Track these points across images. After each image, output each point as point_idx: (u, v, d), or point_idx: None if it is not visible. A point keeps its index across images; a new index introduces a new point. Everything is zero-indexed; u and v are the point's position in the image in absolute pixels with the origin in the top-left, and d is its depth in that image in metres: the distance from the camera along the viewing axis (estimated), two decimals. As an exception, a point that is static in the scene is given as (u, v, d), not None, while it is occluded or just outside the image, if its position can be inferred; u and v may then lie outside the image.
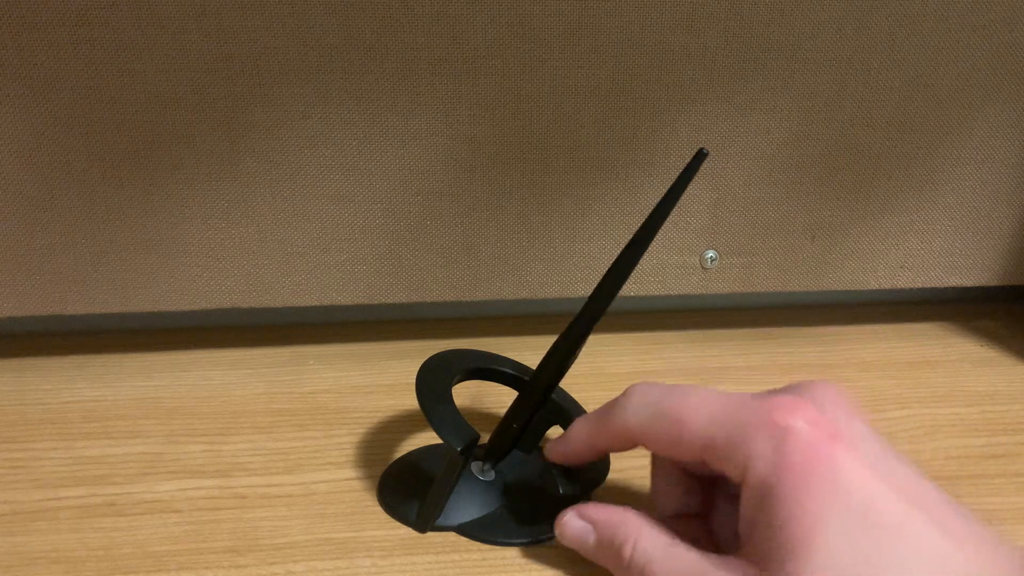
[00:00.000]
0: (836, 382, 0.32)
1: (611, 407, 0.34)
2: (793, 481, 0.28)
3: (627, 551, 0.32)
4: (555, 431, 0.41)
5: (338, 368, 0.50)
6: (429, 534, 0.37)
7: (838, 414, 0.30)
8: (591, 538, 0.33)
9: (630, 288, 0.48)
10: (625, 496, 0.40)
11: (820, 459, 0.28)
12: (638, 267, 0.35)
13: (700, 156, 0.32)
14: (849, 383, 0.50)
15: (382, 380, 0.49)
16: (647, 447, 0.34)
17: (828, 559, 0.27)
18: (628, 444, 0.34)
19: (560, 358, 0.37)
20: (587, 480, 0.39)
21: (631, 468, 0.41)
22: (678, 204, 0.33)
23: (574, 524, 0.34)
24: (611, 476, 0.40)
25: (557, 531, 0.35)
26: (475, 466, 0.39)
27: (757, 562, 0.28)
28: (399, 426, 0.45)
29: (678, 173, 0.33)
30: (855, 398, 0.32)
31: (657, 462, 0.35)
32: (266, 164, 0.45)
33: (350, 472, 0.41)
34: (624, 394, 0.34)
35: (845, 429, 0.29)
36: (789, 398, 0.30)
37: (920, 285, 0.53)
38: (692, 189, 0.33)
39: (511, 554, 0.36)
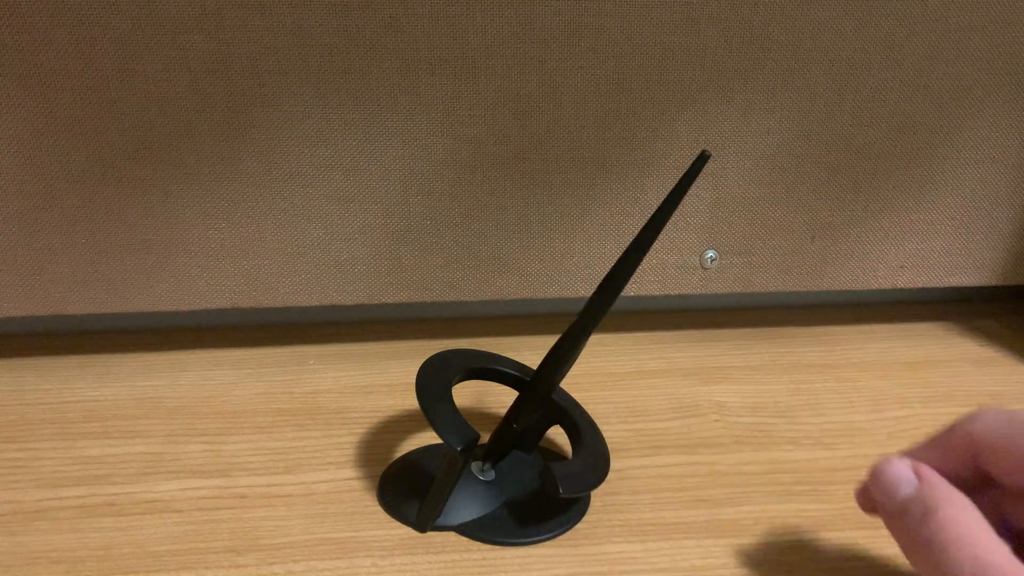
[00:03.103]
0: None
1: (947, 427, 0.31)
2: None
3: (940, 530, 0.28)
4: (555, 431, 0.41)
5: (338, 368, 0.50)
6: (429, 534, 0.37)
7: None
8: (906, 490, 0.30)
9: (630, 288, 0.48)
10: (624, 496, 0.40)
11: None
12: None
13: (703, 158, 0.32)
14: (849, 383, 0.50)
15: (382, 380, 0.49)
16: (986, 463, 0.30)
17: None
18: (963, 458, 0.31)
19: (560, 359, 0.37)
20: (587, 480, 0.39)
21: (631, 468, 0.41)
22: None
23: (898, 468, 0.30)
24: (611, 476, 0.40)
25: (873, 466, 0.31)
26: (475, 466, 0.39)
27: None
28: (399, 426, 0.45)
29: (678, 173, 0.33)
30: None
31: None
32: (266, 164, 0.45)
33: (350, 472, 0.41)
34: (967, 415, 0.31)
35: None
36: None
37: (920, 285, 0.53)
38: (692, 189, 0.33)
39: (511, 554, 0.36)
